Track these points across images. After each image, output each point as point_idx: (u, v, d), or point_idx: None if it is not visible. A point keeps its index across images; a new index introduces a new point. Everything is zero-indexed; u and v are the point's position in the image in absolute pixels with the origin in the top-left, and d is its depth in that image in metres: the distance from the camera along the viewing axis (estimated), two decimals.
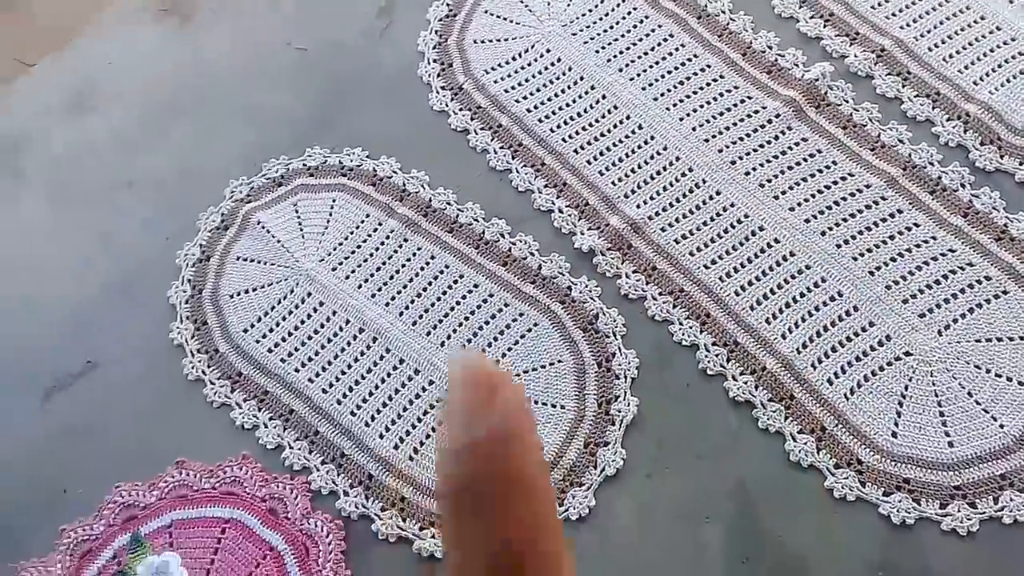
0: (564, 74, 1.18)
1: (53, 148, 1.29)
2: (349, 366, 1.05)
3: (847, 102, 1.08)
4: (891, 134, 1.05)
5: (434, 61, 1.24)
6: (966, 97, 1.04)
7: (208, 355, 1.10)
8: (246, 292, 1.13)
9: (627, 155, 1.10)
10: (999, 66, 1.06)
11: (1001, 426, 0.88)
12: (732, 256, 1.02)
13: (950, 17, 1.11)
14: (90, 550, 1.02)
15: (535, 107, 1.17)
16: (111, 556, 1.01)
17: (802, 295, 0.97)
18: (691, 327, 0.99)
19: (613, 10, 1.21)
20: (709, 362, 0.96)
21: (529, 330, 1.03)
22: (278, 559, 0.98)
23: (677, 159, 1.08)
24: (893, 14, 1.12)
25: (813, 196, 1.03)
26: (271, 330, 1.10)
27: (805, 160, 1.06)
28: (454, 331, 1.05)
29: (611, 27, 1.21)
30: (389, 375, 1.04)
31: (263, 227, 1.15)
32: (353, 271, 1.11)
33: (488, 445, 0.24)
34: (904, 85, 1.07)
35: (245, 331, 1.11)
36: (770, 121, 1.09)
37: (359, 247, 1.13)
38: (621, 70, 1.17)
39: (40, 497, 1.05)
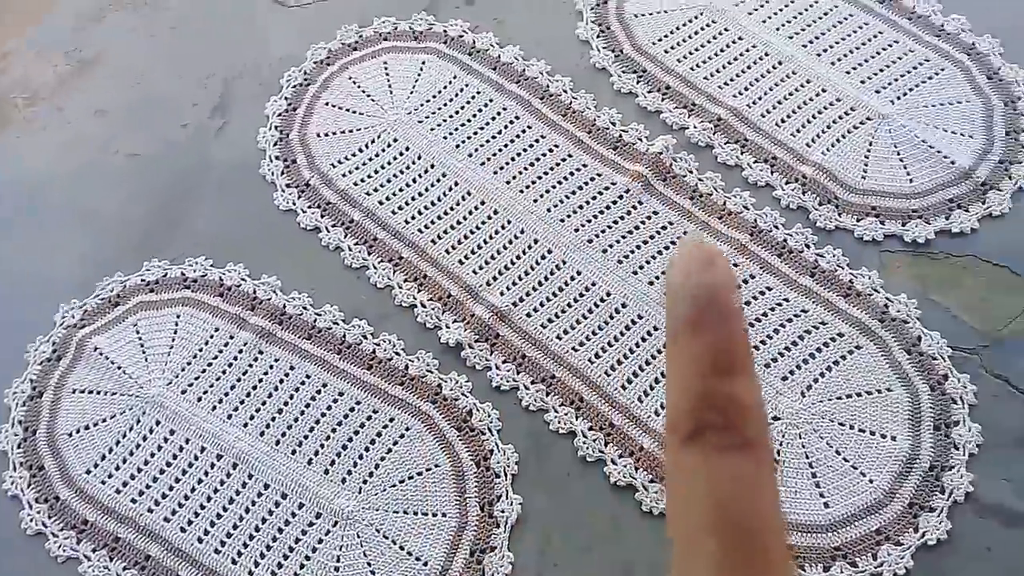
0: (414, 163, 1.19)
1: None
2: (208, 498, 1.00)
3: (691, 172, 1.13)
4: (736, 201, 1.11)
5: (276, 158, 1.22)
6: (801, 159, 1.12)
7: (48, 504, 1.02)
8: (86, 428, 1.06)
9: (485, 242, 1.12)
10: (827, 127, 1.14)
11: (871, 481, 0.93)
12: (600, 335, 1.04)
13: (779, 83, 1.19)
14: None
15: (387, 199, 1.17)
16: None
17: (658, 353, 1.00)
18: (566, 414, 1.00)
19: (457, 95, 1.24)
20: (588, 448, 0.97)
21: (402, 435, 1.01)
22: None
23: (536, 242, 1.10)
24: (726, 83, 1.20)
25: (654, 258, 1.07)
26: (117, 468, 1.04)
27: (659, 232, 1.10)
28: (321, 446, 1.02)
29: (457, 112, 1.23)
30: (254, 503, 0.99)
31: (100, 353, 1.09)
32: (205, 392, 1.07)
33: (711, 287, 0.26)
34: (743, 152, 1.13)
35: (88, 472, 1.04)
36: (621, 197, 1.14)
37: (210, 365, 1.08)
38: (471, 155, 1.19)
39: None
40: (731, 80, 1.22)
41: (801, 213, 1.12)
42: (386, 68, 1.29)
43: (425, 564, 0.94)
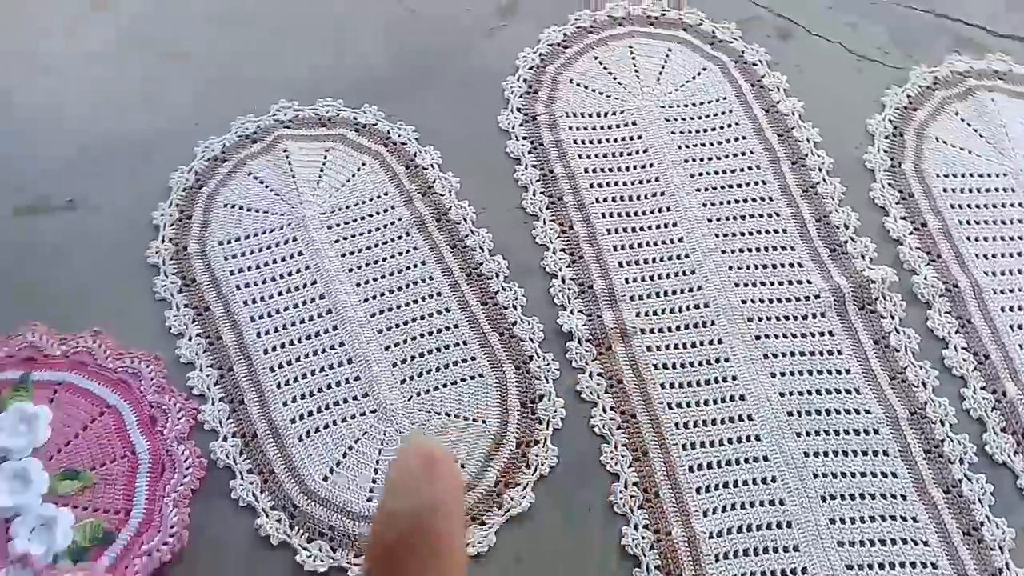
0: (643, 168, 1.20)
1: None
2: (293, 323, 1.09)
3: (892, 318, 1.07)
4: (919, 374, 1.04)
5: (524, 81, 1.27)
6: (1012, 374, 1.02)
7: (175, 248, 1.15)
8: (241, 208, 1.18)
9: (655, 260, 1.12)
10: None
11: None
12: (700, 409, 1.02)
13: None
14: None
15: (593, 171, 1.20)
16: (6, 379, 1.06)
17: (745, 483, 0.98)
18: (623, 456, 0.99)
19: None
20: (622, 501, 0.97)
21: (472, 378, 1.05)
22: (134, 464, 1.02)
23: (706, 305, 1.09)
24: (984, 256, 1.11)
25: (810, 393, 1.03)
26: (243, 254, 1.14)
27: (821, 354, 1.06)
28: (404, 342, 1.08)
29: (698, 114, 1.22)
30: (324, 351, 1.07)
31: (286, 155, 1.20)
32: (345, 238, 1.15)
33: (416, 515, 0.26)
34: (958, 332, 1.05)
35: (220, 243, 1.15)
36: (808, 298, 1.09)
37: (363, 219, 1.17)
38: (693, 176, 1.18)
39: None
40: (991, 256, 1.13)
41: (977, 425, 1.03)
42: None
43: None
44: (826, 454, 1.00)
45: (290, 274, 1.14)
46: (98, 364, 1.09)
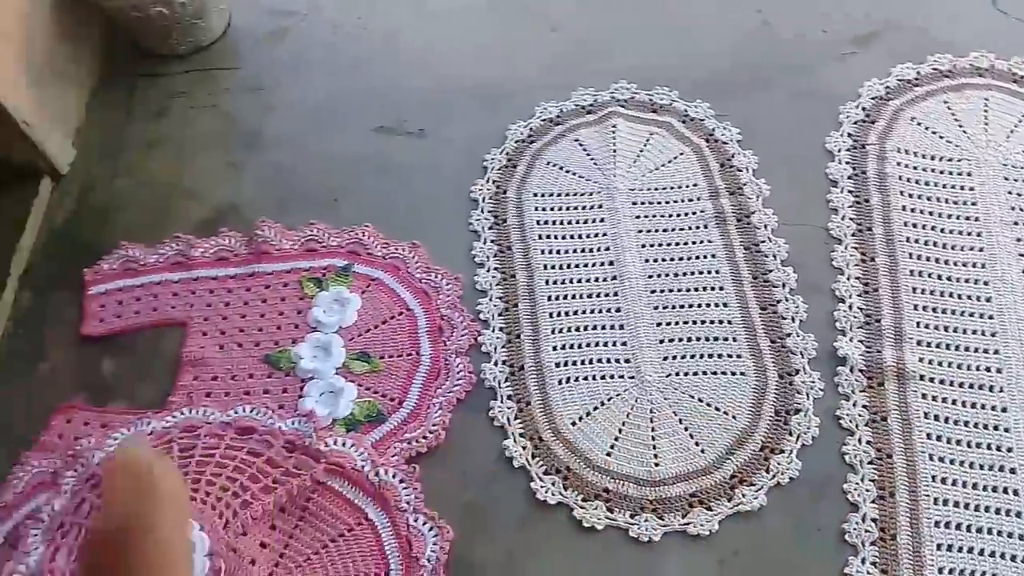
0: (967, 219, 1.17)
1: None
2: (579, 280, 1.20)
3: None
4: None
5: (863, 109, 1.30)
6: None
7: (496, 189, 1.30)
8: (561, 168, 1.30)
9: (957, 312, 1.10)
10: None
11: None
12: (963, 469, 1.00)
13: None
14: (315, 250, 1.28)
15: (912, 210, 1.18)
16: (325, 265, 1.26)
17: (993, 555, 0.94)
18: (867, 491, 1.00)
19: None
20: (855, 532, 0.98)
21: (734, 374, 1.09)
22: (416, 363, 1.17)
23: (999, 370, 1.06)
24: None
25: None
26: (552, 208, 1.26)
27: None
28: (676, 323, 1.15)
29: None
30: (600, 311, 1.17)
31: (614, 130, 1.31)
32: (646, 216, 1.24)
33: (114, 535, 0.24)
34: None
35: (535, 194, 1.28)
36: None
37: (667, 203, 1.25)
38: (1020, 239, 1.13)
39: (314, 196, 1.33)
40: None
41: None
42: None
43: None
44: None
45: (588, 236, 1.24)
46: (408, 271, 1.26)
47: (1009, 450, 1.00)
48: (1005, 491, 0.98)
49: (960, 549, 0.95)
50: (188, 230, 1.31)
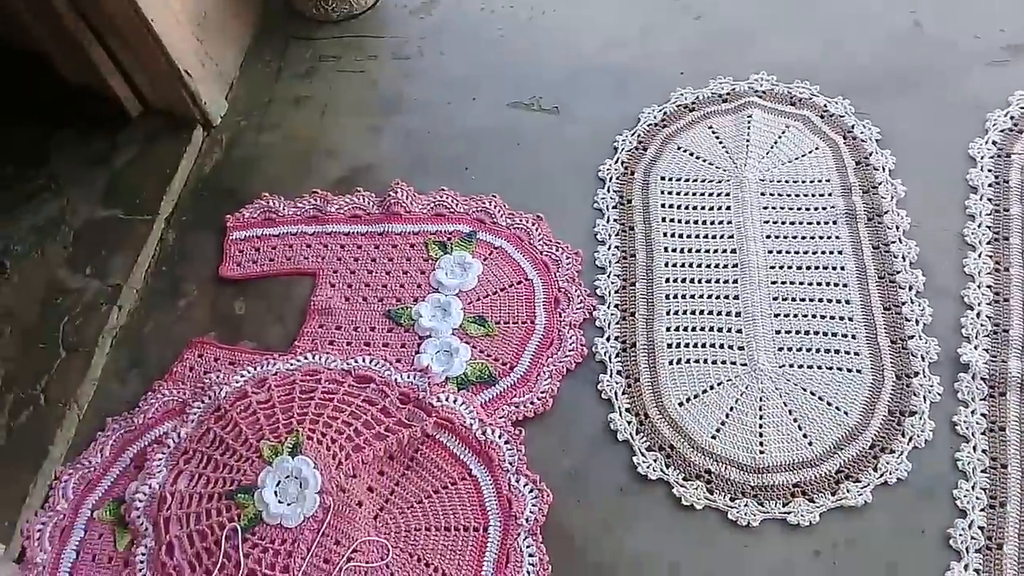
0: None
1: None
2: (700, 265, 1.23)
3: None
4: None
5: (1011, 117, 1.29)
6: None
7: (624, 170, 1.34)
8: (691, 154, 1.33)
9: None
10: None
11: None
12: None
13: None
14: (443, 215, 1.36)
15: None
16: (451, 230, 1.33)
17: None
18: (977, 499, 1.00)
19: None
20: (960, 538, 0.99)
21: (850, 371, 1.11)
22: (530, 330, 1.22)
23: None
24: None
25: None
26: (679, 193, 1.30)
27: None
28: (795, 315, 1.17)
29: None
30: (718, 297, 1.20)
31: (750, 120, 1.33)
32: (774, 207, 1.26)
33: None
34: None
35: (663, 178, 1.32)
36: None
37: (798, 196, 1.26)
38: None
39: (447, 163, 1.41)
40: None
41: None
42: None
43: (810, 444, 1.07)
44: None
45: (713, 223, 1.27)
46: (531, 243, 1.31)
47: None
48: None
49: None
50: (326, 186, 1.40)
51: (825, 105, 1.37)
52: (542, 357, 1.20)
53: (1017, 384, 1.06)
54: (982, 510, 0.99)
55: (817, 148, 1.32)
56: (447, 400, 1.15)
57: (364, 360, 1.21)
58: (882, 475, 1.04)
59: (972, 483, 1.01)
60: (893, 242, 1.20)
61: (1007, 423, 1.04)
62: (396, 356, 1.22)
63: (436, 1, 1.67)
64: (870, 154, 1.30)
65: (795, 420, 1.09)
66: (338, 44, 1.63)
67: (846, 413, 1.09)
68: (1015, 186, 1.22)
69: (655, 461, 1.09)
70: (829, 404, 1.10)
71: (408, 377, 1.19)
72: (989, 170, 1.24)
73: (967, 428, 1.05)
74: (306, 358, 1.22)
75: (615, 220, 1.31)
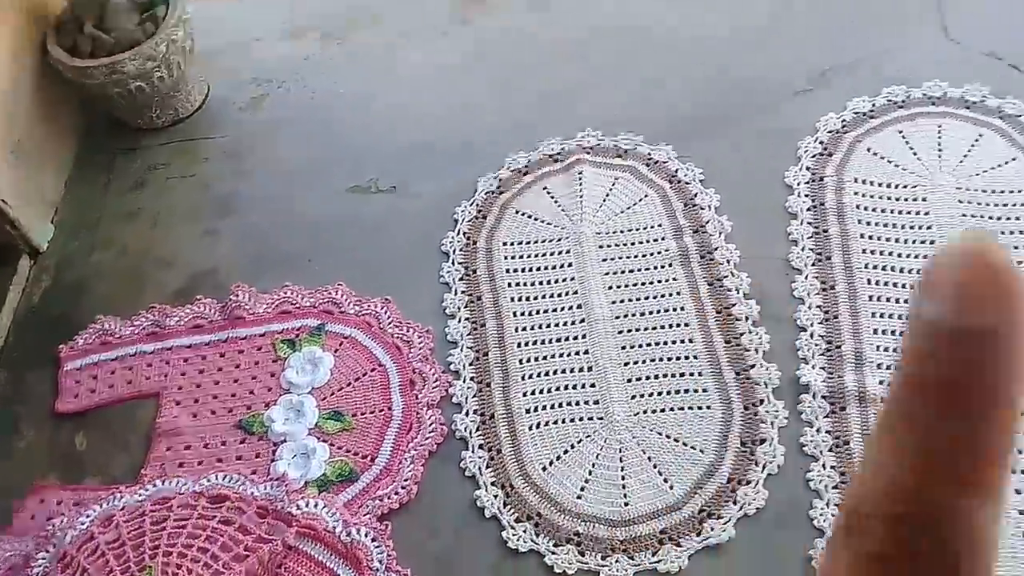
0: (923, 243, 1.23)
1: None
2: (548, 325, 1.26)
3: None
4: None
5: (820, 142, 1.37)
6: None
7: (466, 241, 1.37)
8: (529, 216, 1.38)
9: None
10: None
11: None
12: None
13: None
14: (289, 312, 1.36)
15: (869, 237, 1.25)
16: (298, 326, 1.33)
17: None
18: (833, 515, 1.03)
19: None
20: (814, 562, 1.01)
21: (700, 408, 1.15)
22: (387, 418, 1.23)
23: None
24: None
25: None
26: (521, 256, 1.34)
27: None
28: (643, 361, 1.21)
29: (998, 201, 1.23)
30: (569, 355, 1.23)
31: (580, 177, 1.39)
32: (613, 258, 1.31)
33: (996, 337, 0.20)
34: None
35: (504, 243, 1.36)
36: None
37: (633, 244, 1.32)
38: None
39: (288, 257, 1.41)
40: None
41: None
42: None
43: (671, 488, 1.10)
44: None
45: (557, 281, 1.31)
46: (381, 327, 1.33)
47: None
48: None
49: None
50: (164, 299, 1.39)
51: (649, 153, 1.44)
52: (403, 443, 1.21)
53: (855, 397, 1.12)
54: None
55: (646, 195, 1.38)
56: (308, 506, 1.14)
57: (217, 478, 1.19)
58: (742, 507, 1.08)
59: (826, 500, 1.06)
60: (726, 276, 1.27)
61: (851, 436, 1.10)
62: (251, 468, 1.21)
63: (265, 95, 1.69)
64: (695, 195, 1.37)
65: (655, 466, 1.12)
66: (167, 151, 1.63)
67: (701, 451, 1.12)
68: (831, 207, 1.30)
69: (524, 532, 1.10)
70: (685, 444, 1.13)
71: (265, 488, 1.17)
72: (806, 195, 1.32)
73: (815, 447, 1.10)
74: (155, 486, 1.19)
75: (463, 292, 1.34)
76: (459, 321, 1.31)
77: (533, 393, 1.22)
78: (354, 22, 1.76)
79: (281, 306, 1.37)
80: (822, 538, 1.04)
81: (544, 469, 1.15)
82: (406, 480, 1.17)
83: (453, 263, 1.37)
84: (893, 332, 1.18)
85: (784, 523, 1.06)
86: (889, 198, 1.30)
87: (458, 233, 1.41)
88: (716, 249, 1.30)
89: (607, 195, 1.40)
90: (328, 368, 1.29)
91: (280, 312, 1.37)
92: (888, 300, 1.20)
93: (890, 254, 1.24)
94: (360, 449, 1.21)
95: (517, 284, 1.33)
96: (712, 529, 1.07)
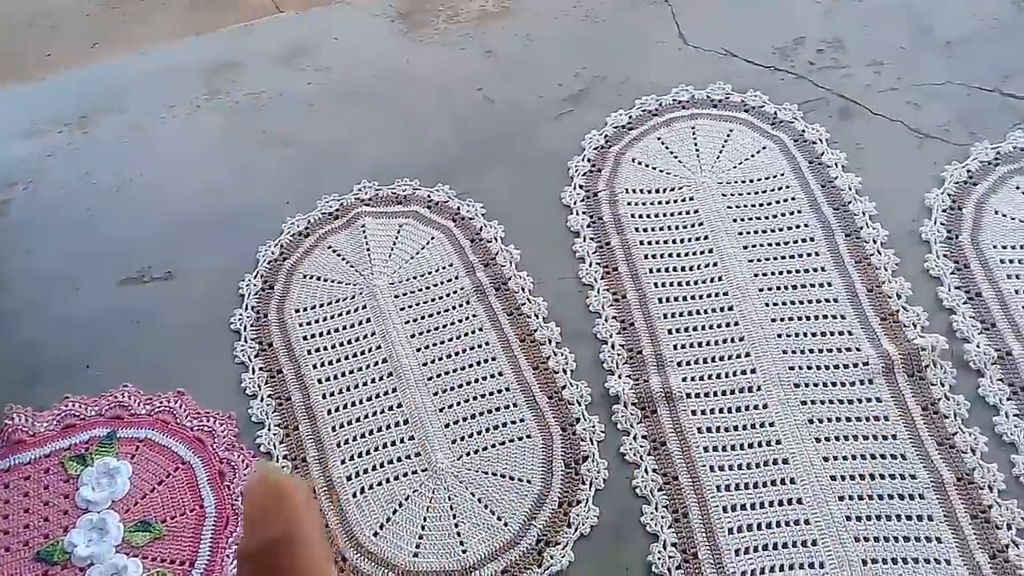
0: (697, 240, 1.30)
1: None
2: (356, 385, 1.22)
3: (941, 386, 1.11)
4: (967, 439, 1.07)
5: (588, 160, 1.40)
6: None
7: (256, 315, 1.31)
8: (318, 279, 1.34)
9: (704, 327, 1.20)
10: None
11: None
12: (742, 472, 1.08)
13: None
14: (74, 425, 1.24)
15: (648, 243, 1.30)
16: (86, 439, 1.22)
17: (785, 545, 1.02)
18: (663, 517, 1.06)
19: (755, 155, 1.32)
20: (660, 561, 1.03)
21: (520, 439, 1.14)
22: (201, 517, 1.15)
23: (752, 371, 1.17)
24: None
25: (853, 458, 1.07)
26: (316, 321, 1.29)
27: (867, 420, 1.10)
28: (457, 404, 1.19)
29: (755, 189, 1.31)
30: (382, 412, 1.20)
31: (364, 230, 1.36)
32: (410, 306, 1.29)
33: (273, 550, 0.26)
34: (1010, 399, 1.08)
35: (296, 311, 1.31)
36: (856, 365, 1.15)
37: (427, 288, 1.31)
38: (747, 247, 1.27)
39: (64, 366, 1.29)
40: None
41: None
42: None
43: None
44: (869, 518, 1.04)
45: (357, 339, 1.28)
46: (178, 423, 1.25)
47: (778, 442, 1.11)
48: (783, 482, 1.08)
49: (756, 549, 1.04)
50: None
51: (428, 195, 1.43)
52: (222, 540, 1.13)
53: (662, 397, 1.16)
54: (670, 527, 1.06)
55: (433, 238, 1.38)
56: None
57: None
58: (576, 528, 1.08)
59: (654, 504, 1.08)
60: (523, 303, 1.28)
61: (666, 436, 1.13)
62: None
63: (9, 200, 1.55)
64: (480, 229, 1.38)
65: (486, 506, 1.11)
66: None
67: (528, 481, 1.12)
68: (608, 220, 1.34)
69: None
70: (512, 479, 1.13)
71: None
72: (584, 212, 1.36)
73: (635, 454, 1.12)
74: None
75: (260, 369, 1.28)
76: (261, 400, 1.25)
77: (352, 459, 1.18)
78: (96, 108, 1.66)
79: (64, 420, 1.26)
80: (657, 541, 1.06)
81: (375, 534, 1.11)
82: None
83: (246, 340, 1.31)
84: (686, 329, 1.23)
85: (619, 534, 1.08)
86: (659, 203, 1.36)
87: (246, 308, 1.35)
88: (509, 279, 1.31)
89: (394, 244, 1.38)
90: (127, 477, 1.19)
91: (64, 427, 1.25)
92: (675, 300, 1.26)
93: (669, 255, 1.30)
94: (176, 556, 1.13)
95: (317, 350, 1.28)
96: (552, 557, 1.07)
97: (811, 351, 1.18)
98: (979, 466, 1.06)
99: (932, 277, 1.24)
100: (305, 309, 1.33)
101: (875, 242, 1.26)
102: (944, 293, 1.21)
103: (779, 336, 1.20)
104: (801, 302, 1.22)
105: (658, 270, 1.29)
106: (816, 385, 1.15)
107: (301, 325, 1.31)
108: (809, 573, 1.01)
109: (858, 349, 1.18)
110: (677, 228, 1.33)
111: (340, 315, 1.32)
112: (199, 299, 1.38)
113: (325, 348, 1.29)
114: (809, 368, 1.17)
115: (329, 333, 1.30)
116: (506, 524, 1.09)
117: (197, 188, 1.52)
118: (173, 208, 1.50)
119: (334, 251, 1.39)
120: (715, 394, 1.16)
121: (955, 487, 1.05)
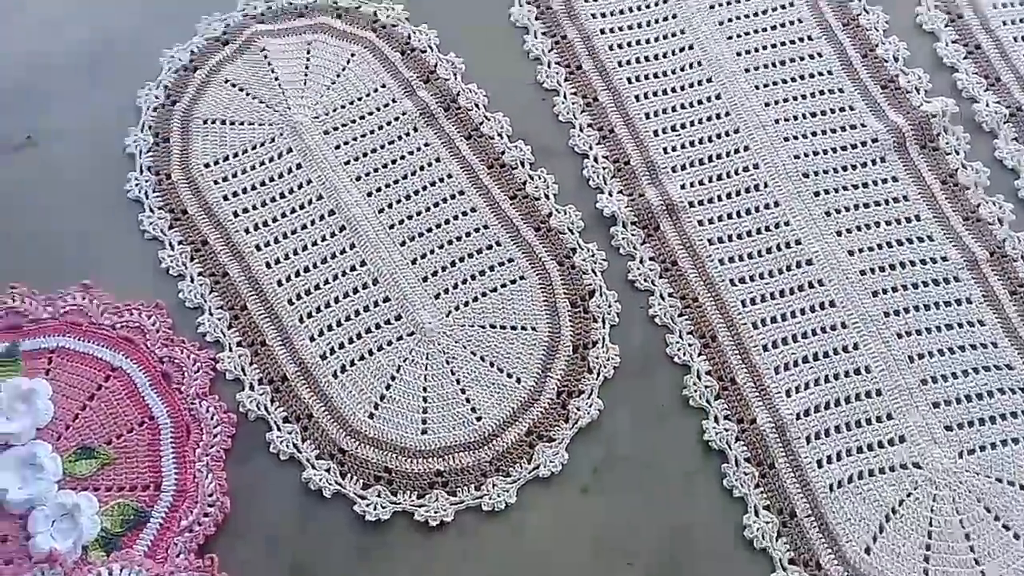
0: (666, 20, 1.01)
1: None
2: (305, 247, 0.93)
3: (957, 153, 0.92)
4: (992, 209, 0.90)
5: None
6: None
7: (158, 178, 0.96)
8: (223, 123, 0.98)
9: (693, 123, 0.95)
10: None
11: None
12: (765, 282, 0.89)
13: None
14: None
15: (611, 31, 1.01)
16: None
17: (826, 355, 0.85)
18: (690, 345, 0.86)
19: None
20: (696, 392, 0.84)
21: (513, 282, 0.90)
22: (155, 430, 0.87)
23: (755, 166, 0.94)
24: None
25: (879, 247, 0.88)
26: (234, 175, 0.96)
27: (887, 203, 0.92)
28: (432, 252, 0.93)
29: None
30: (344, 274, 0.92)
31: (265, 55, 1.00)
32: (346, 143, 0.98)
33: None
34: None
35: (206, 166, 0.97)
36: (864, 143, 0.94)
37: (362, 118, 0.99)
38: (722, 23, 1.00)
39: None
40: None
41: None
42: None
43: (518, 381, 0.85)
44: (907, 310, 0.89)
45: (291, 191, 0.97)
46: (93, 323, 0.92)
47: (798, 243, 0.93)
48: (811, 286, 0.90)
49: (795, 364, 0.87)
50: None
51: (335, 2, 1.08)
52: (186, 453, 0.87)
53: (663, 212, 0.94)
54: (700, 354, 0.88)
55: (353, 55, 1.06)
56: None
57: None
58: (598, 373, 0.88)
59: (678, 332, 0.90)
60: (481, 123, 1.01)
61: (675, 255, 0.92)
62: (4, 558, 0.81)
63: None
64: (409, 36, 1.06)
65: (491, 364, 0.89)
66: None
67: (534, 328, 0.89)
68: (558, 8, 1.04)
69: (380, 496, 0.83)
70: (514, 328, 0.89)
71: None
72: (528, 1, 1.04)
73: (645, 280, 0.92)
74: None
75: (180, 242, 0.96)
76: (191, 280, 0.94)
77: (322, 333, 0.91)
78: None
79: None
80: (690, 372, 0.87)
81: (371, 416, 0.86)
82: (211, 495, 0.85)
83: (151, 210, 0.97)
84: (673, 128, 0.98)
85: (646, 371, 0.88)
86: None
87: (141, 170, 0.99)
88: (458, 95, 1.01)
89: (307, 69, 1.04)
90: (46, 398, 0.88)
91: None
92: (655, 95, 1.00)
93: (638, 42, 1.02)
94: (136, 481, 0.86)
95: (245, 211, 0.97)
96: (579, 409, 0.86)
97: (814, 134, 0.97)
98: (1009, 236, 0.91)
99: (926, 32, 1.02)
100: (216, 162, 1.00)
101: (860, 1, 1.02)
102: (942, 49, 1.00)
103: (777, 122, 0.97)
104: (793, 79, 1.00)
105: (628, 62, 1.02)
106: (827, 172, 0.95)
107: (217, 183, 0.98)
108: (856, 379, 0.85)
109: (863, 125, 0.97)
110: (644, 8, 1.04)
111: (263, 164, 0.99)
112: (78, 166, 1.01)
113: (255, 207, 0.97)
114: (816, 154, 0.96)
115: (255, 188, 0.98)
116: (518, 380, 0.87)
117: (35, 24, 1.09)
118: (13, 53, 1.07)
119: (234, 85, 1.03)
120: (719, 199, 0.94)
121: (989, 263, 0.90)
